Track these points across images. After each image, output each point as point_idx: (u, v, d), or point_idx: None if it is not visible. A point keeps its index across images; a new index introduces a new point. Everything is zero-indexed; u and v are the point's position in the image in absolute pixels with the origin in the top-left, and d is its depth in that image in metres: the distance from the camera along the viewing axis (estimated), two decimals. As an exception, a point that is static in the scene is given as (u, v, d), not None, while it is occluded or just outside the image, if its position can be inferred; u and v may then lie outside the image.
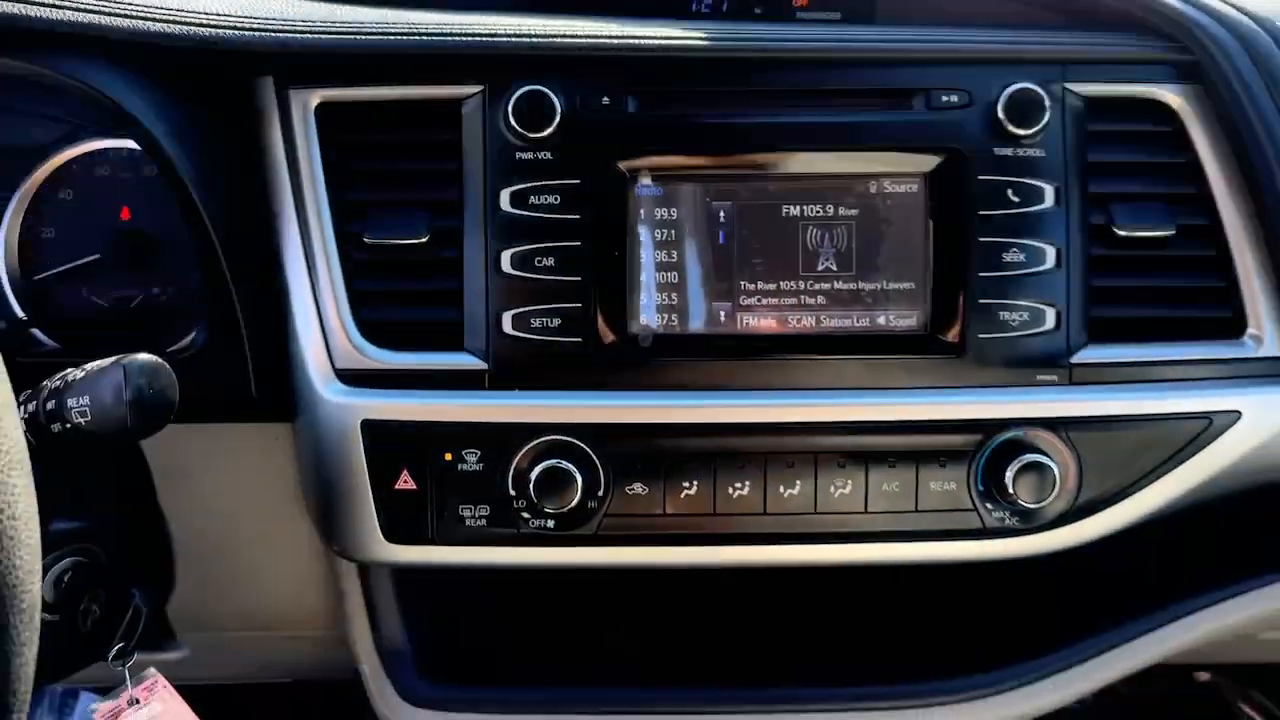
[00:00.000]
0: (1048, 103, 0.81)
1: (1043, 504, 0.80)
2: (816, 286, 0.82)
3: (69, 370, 0.63)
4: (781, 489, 0.81)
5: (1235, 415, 0.82)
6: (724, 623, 0.98)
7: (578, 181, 0.80)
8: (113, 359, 0.63)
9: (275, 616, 0.97)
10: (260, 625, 0.98)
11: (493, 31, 0.80)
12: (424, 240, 0.81)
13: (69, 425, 0.60)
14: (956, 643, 0.93)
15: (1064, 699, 0.88)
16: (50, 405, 0.61)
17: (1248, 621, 0.89)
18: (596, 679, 0.91)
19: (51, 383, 0.62)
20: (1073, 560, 0.86)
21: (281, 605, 0.97)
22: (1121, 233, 0.83)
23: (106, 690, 0.86)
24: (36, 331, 0.86)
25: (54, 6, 0.74)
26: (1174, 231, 0.83)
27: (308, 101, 0.83)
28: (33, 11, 0.73)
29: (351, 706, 1.45)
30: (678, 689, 0.89)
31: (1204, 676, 1.80)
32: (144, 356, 0.64)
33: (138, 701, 0.80)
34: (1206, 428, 0.82)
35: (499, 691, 0.89)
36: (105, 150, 0.88)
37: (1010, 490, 0.79)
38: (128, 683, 0.79)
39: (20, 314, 0.86)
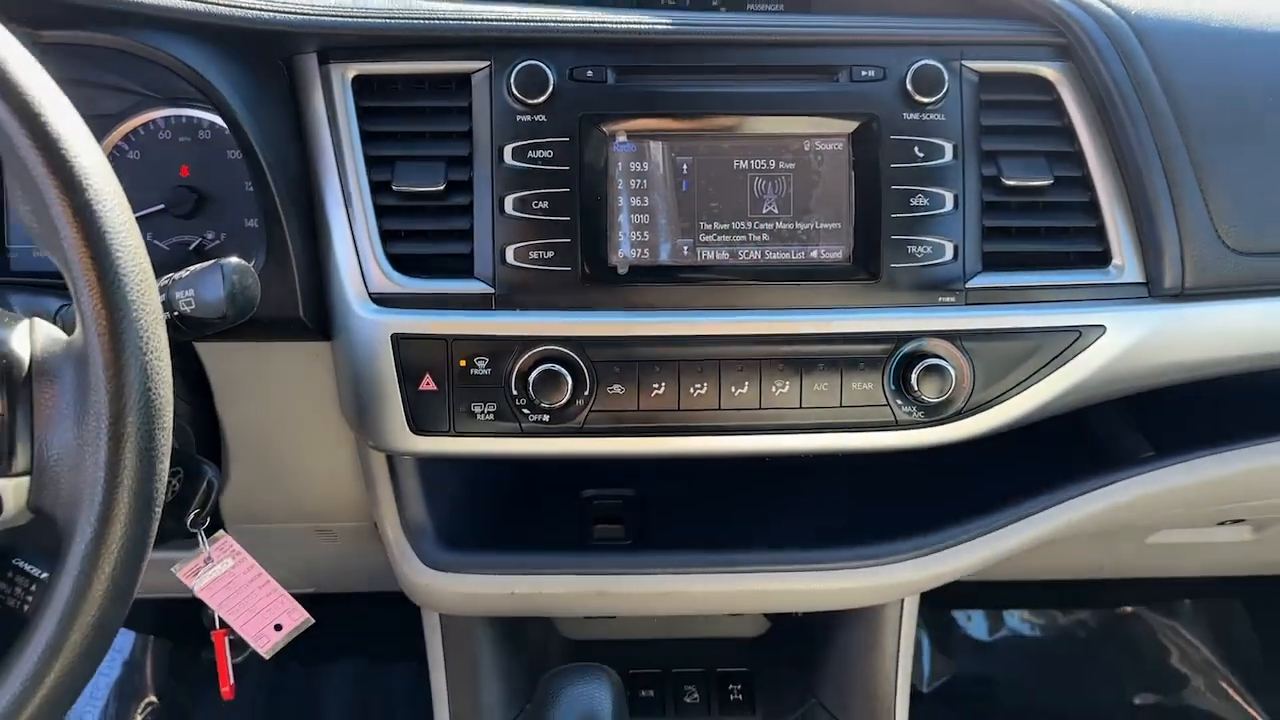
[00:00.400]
0: (947, 77, 0.95)
1: (942, 399, 0.95)
2: (761, 226, 0.96)
3: (173, 273, 0.80)
4: (733, 389, 0.96)
5: (1101, 329, 0.97)
6: (696, 505, 1.13)
7: (567, 139, 0.94)
8: (211, 262, 0.78)
9: (315, 509, 1.12)
10: (302, 518, 1.14)
11: (498, 17, 0.94)
12: (441, 188, 0.94)
13: (177, 313, 0.77)
14: (889, 517, 1.09)
15: (982, 560, 1.05)
16: (162, 298, 0.77)
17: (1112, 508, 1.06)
18: (586, 548, 1.07)
19: (160, 281, 0.78)
20: (976, 452, 1.02)
21: (320, 498, 1.11)
22: (1009, 182, 0.97)
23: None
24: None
25: None
26: (1052, 181, 0.97)
27: (345, 74, 0.96)
28: None
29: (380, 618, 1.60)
30: (655, 553, 1.06)
31: (1128, 609, 2.00)
32: (235, 259, 0.78)
33: (211, 560, 0.96)
34: (1077, 339, 0.97)
35: (504, 556, 1.04)
36: (167, 117, 1.00)
37: (915, 389, 0.95)
38: (203, 544, 0.95)
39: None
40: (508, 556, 1.05)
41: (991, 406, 0.98)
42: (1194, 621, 1.97)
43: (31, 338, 0.68)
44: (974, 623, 1.98)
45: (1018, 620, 2.00)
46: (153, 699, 1.86)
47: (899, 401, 0.97)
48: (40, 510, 0.67)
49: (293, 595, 1.32)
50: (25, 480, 0.66)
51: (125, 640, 1.90)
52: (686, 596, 1.07)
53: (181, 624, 1.88)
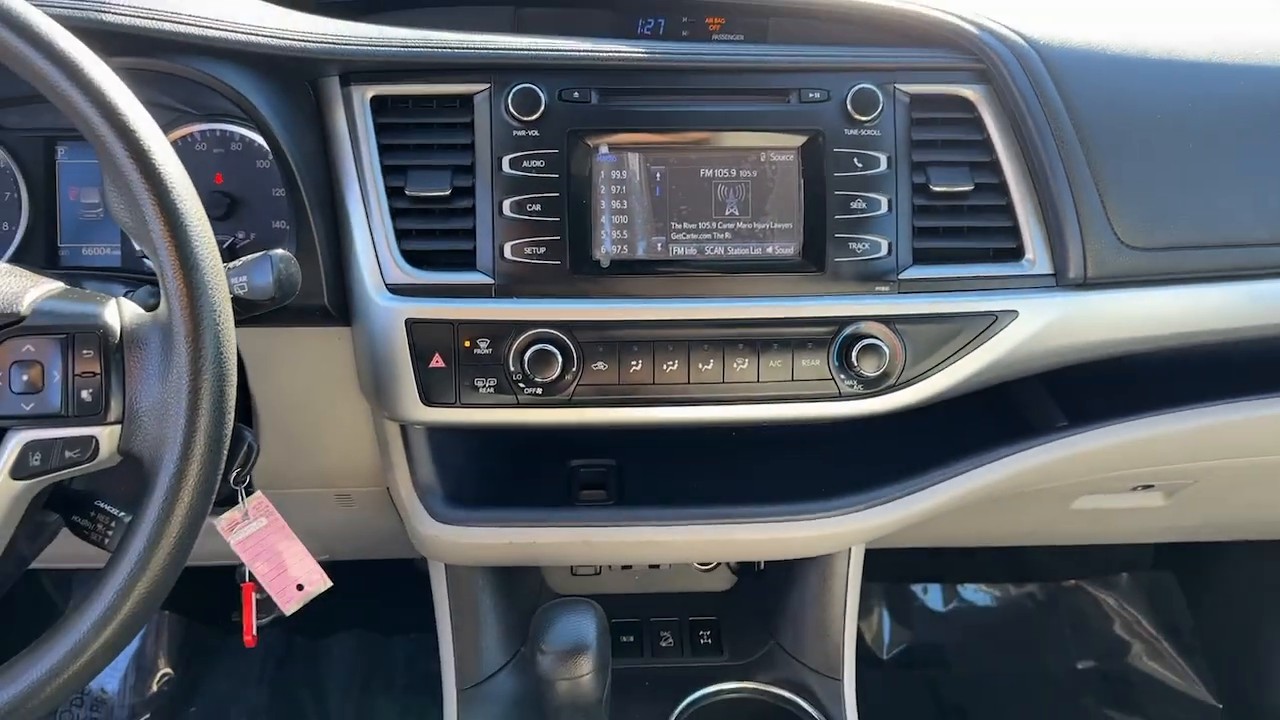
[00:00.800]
0: (882, 98, 1.07)
1: (879, 374, 1.08)
2: (724, 226, 1.08)
3: (228, 263, 0.93)
4: (700, 366, 1.08)
5: (1014, 314, 1.10)
6: (669, 473, 1.26)
7: (556, 151, 1.05)
8: (261, 253, 0.90)
9: (335, 475, 1.25)
10: (323, 483, 1.27)
11: (497, 47, 1.07)
12: (448, 193, 1.05)
13: (232, 296, 0.90)
14: (837, 478, 1.22)
15: (914, 515, 1.19)
16: (221, 283, 0.91)
17: (1028, 470, 1.21)
18: (574, 505, 1.20)
19: None
20: (914, 423, 1.16)
21: (340, 466, 1.23)
22: (936, 188, 1.08)
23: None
24: (148, 261, 1.04)
25: (198, 25, 1.01)
26: (972, 187, 1.09)
27: (364, 94, 1.06)
28: (183, 28, 1.00)
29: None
30: (633, 509, 1.19)
31: (1069, 583, 2.16)
32: (281, 251, 0.89)
33: (248, 517, 1.09)
34: (994, 322, 1.10)
35: (502, 511, 1.18)
36: (203, 131, 1.10)
37: (856, 365, 1.08)
38: (242, 500, 1.08)
39: (137, 249, 1.10)
40: (506, 512, 1.19)
41: (922, 380, 1.11)
42: (1132, 592, 2.13)
43: (120, 313, 0.83)
44: (930, 595, 2.14)
45: (970, 593, 2.16)
46: (168, 671, 1.99)
47: (842, 376, 1.10)
48: (129, 453, 0.81)
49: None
50: (117, 428, 0.80)
51: (142, 616, 2.03)
52: (661, 545, 1.21)
53: (194, 603, 2.01)
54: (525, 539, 1.18)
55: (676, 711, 1.33)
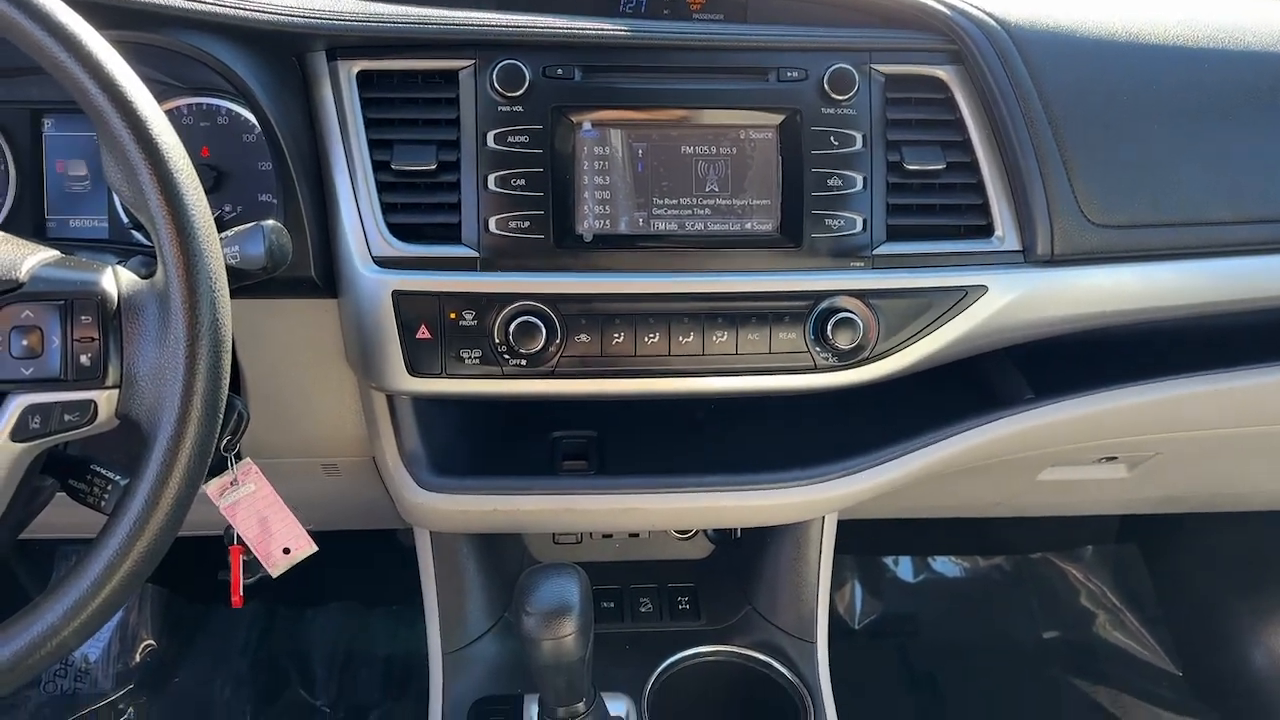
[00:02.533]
0: (858, 78, 1.10)
1: (853, 346, 1.12)
2: (704, 201, 1.10)
3: (222, 233, 0.95)
4: (680, 338, 1.11)
5: (983, 289, 1.13)
6: (649, 445, 1.30)
7: (540, 127, 1.07)
8: (253, 224, 0.92)
9: (322, 445, 1.26)
10: (310, 453, 1.29)
11: (482, 23, 1.09)
12: (433, 167, 1.06)
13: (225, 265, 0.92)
14: (812, 449, 1.26)
15: (883, 484, 1.23)
16: (214, 253, 0.93)
17: (992, 441, 1.25)
18: (557, 474, 1.23)
19: None
20: (887, 396, 1.20)
21: (327, 436, 1.25)
22: (909, 166, 1.11)
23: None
24: (135, 233, 1.12)
25: None
26: (944, 166, 1.12)
27: (351, 70, 1.08)
28: (173, 2, 1.01)
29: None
30: (614, 478, 1.22)
31: (1035, 556, 2.21)
32: (272, 222, 0.92)
33: (237, 482, 1.12)
34: (964, 297, 1.13)
35: (487, 480, 1.20)
36: (190, 105, 1.10)
37: (831, 338, 1.11)
38: (232, 467, 1.10)
39: (125, 220, 1.12)
40: (490, 480, 1.21)
41: (894, 353, 1.15)
42: (1097, 564, 2.19)
43: (117, 280, 0.84)
44: (901, 567, 2.19)
45: (940, 565, 2.21)
46: (151, 642, 2.01)
47: (818, 349, 1.14)
48: (126, 417, 0.83)
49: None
50: (115, 392, 0.82)
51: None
52: (641, 512, 1.24)
53: (177, 574, 2.03)
54: (509, 506, 1.21)
55: (655, 673, 1.37)
